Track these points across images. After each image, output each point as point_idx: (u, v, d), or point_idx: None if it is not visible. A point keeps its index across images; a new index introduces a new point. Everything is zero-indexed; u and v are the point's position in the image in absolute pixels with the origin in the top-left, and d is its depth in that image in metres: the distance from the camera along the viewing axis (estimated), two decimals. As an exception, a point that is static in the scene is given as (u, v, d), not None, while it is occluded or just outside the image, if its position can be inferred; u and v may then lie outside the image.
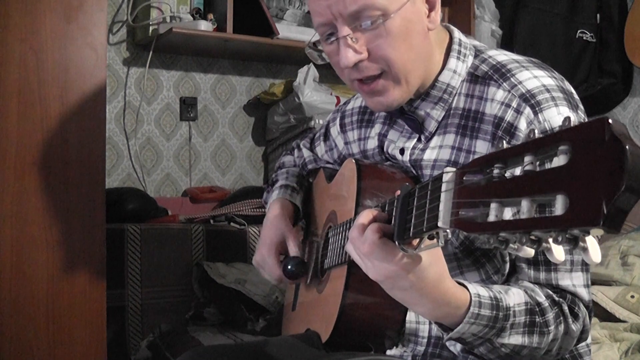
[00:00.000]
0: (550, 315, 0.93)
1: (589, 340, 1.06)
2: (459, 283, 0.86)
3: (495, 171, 0.57)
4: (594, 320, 1.83)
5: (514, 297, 0.91)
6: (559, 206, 0.48)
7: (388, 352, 1.09)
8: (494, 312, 0.86)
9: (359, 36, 0.99)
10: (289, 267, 1.27)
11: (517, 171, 0.55)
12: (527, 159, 0.53)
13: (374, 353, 1.07)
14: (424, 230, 0.70)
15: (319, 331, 1.14)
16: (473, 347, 0.89)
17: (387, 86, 1.02)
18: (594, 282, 1.99)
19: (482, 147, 1.02)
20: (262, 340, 1.23)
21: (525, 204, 0.52)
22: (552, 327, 0.92)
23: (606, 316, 1.84)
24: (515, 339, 0.89)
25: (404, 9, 0.98)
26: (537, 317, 0.91)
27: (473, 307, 0.85)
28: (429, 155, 1.08)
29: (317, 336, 1.13)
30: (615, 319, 1.81)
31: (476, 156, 1.01)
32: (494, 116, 1.00)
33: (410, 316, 1.08)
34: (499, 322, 0.87)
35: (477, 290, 0.87)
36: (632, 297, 1.85)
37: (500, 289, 0.91)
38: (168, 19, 2.49)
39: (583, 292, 0.98)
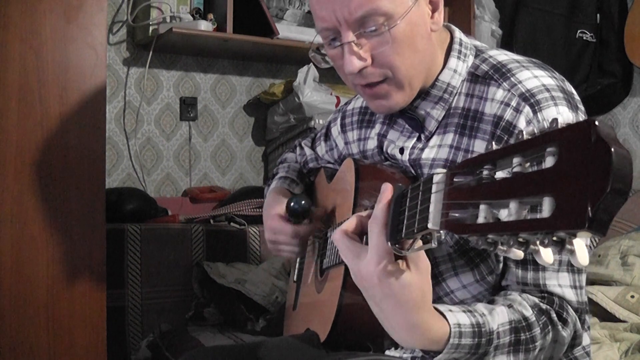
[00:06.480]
0: (537, 330, 0.91)
1: (586, 342, 1.05)
2: (437, 310, 0.83)
3: (485, 172, 0.56)
4: (594, 320, 1.82)
5: (498, 317, 0.89)
6: (546, 208, 0.48)
7: (387, 352, 1.09)
8: (476, 339, 0.84)
9: (363, 42, 0.98)
10: (292, 204, 1.22)
11: (507, 173, 0.54)
12: (515, 160, 0.53)
13: (373, 353, 1.06)
14: (415, 231, 0.69)
15: (317, 331, 1.14)
16: None
17: (390, 91, 1.02)
18: (594, 282, 1.98)
19: (480, 147, 1.02)
20: (262, 341, 1.23)
21: (513, 205, 0.51)
22: (538, 343, 0.91)
23: (606, 316, 1.83)
24: (500, 359, 0.88)
25: (409, 14, 0.96)
26: (522, 334, 0.90)
27: (453, 339, 0.82)
28: (428, 154, 1.08)
29: (316, 336, 1.13)
30: (615, 319, 1.81)
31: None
32: (494, 115, 1.00)
33: None
34: (481, 348, 0.85)
35: (458, 318, 0.84)
36: (632, 297, 1.85)
37: (484, 310, 0.89)
38: (168, 19, 2.49)
39: (570, 294, 0.97)
